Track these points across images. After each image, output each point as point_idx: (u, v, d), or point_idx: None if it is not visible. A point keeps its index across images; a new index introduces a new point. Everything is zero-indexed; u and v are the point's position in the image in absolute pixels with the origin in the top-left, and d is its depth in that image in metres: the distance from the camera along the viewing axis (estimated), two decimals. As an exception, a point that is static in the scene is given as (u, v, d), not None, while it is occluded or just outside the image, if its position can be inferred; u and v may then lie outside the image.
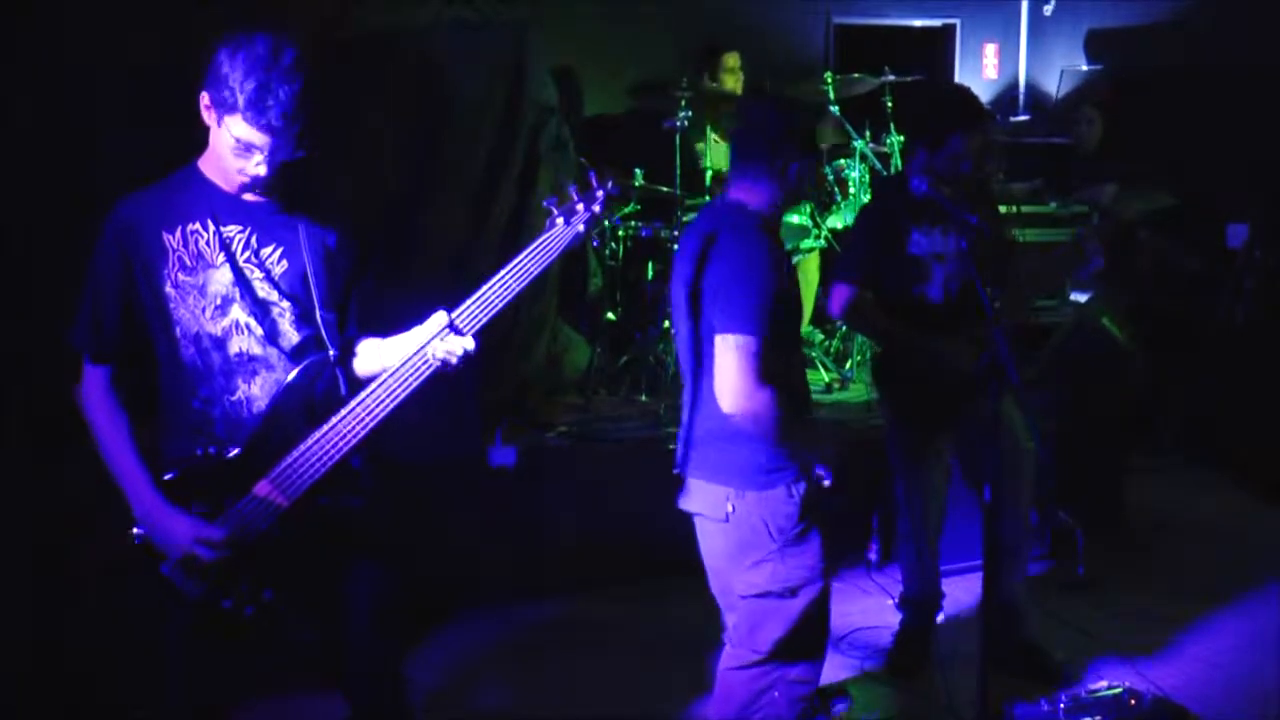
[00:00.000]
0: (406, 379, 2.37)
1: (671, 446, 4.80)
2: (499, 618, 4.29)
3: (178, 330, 2.38)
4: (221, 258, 2.38)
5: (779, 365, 2.70)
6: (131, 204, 2.39)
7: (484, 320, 2.38)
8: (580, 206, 2.51)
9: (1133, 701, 3.16)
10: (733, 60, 6.24)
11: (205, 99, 2.30)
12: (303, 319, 2.45)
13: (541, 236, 2.46)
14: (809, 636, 2.83)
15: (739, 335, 2.60)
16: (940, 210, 3.49)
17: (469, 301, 2.39)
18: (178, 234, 2.37)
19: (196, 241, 2.38)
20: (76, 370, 2.43)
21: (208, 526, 2.31)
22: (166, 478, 2.35)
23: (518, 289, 2.40)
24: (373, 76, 4.84)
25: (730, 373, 2.60)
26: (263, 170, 2.32)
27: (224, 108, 2.26)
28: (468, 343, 2.36)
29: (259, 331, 2.41)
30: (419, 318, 2.43)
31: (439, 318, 2.39)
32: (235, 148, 2.29)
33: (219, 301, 2.39)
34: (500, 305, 2.39)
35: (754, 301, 2.62)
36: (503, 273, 2.40)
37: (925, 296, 3.61)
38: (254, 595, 2.35)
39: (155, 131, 2.96)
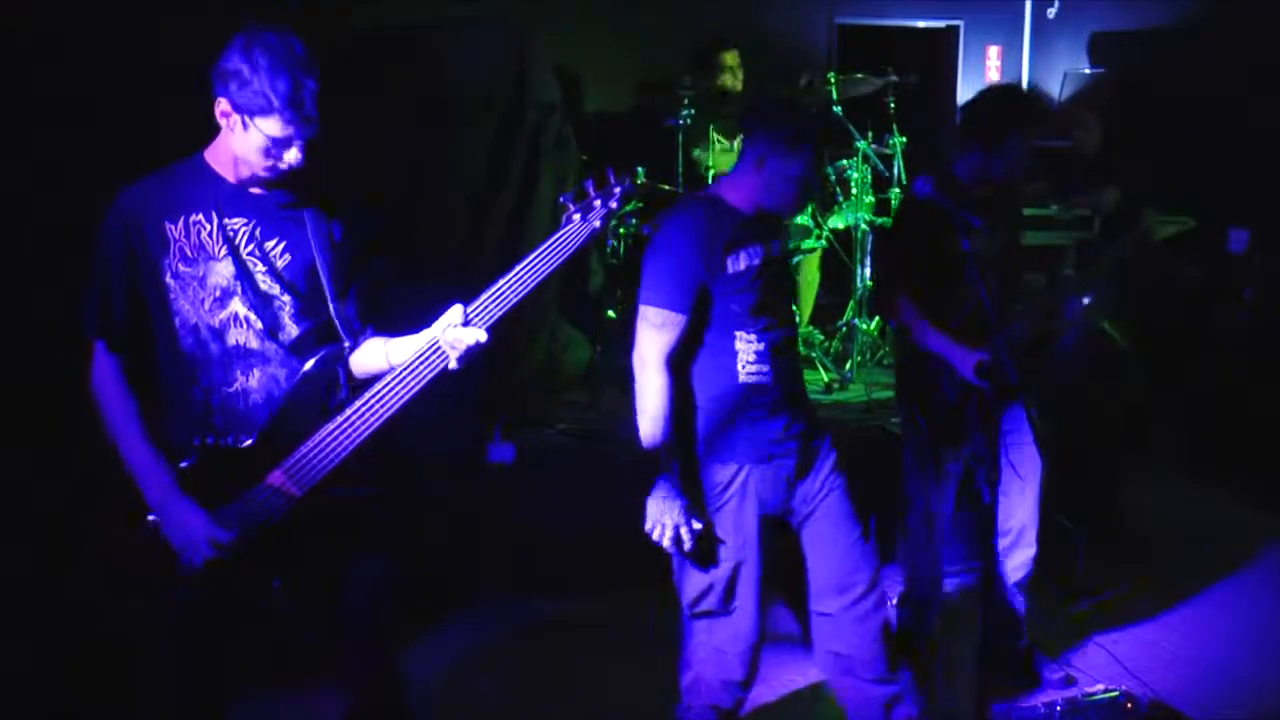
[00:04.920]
0: (421, 371, 2.36)
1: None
2: (497, 614, 4.29)
3: (177, 320, 2.38)
4: (224, 250, 2.38)
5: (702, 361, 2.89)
6: (135, 192, 2.39)
7: (498, 315, 2.37)
8: (597, 202, 2.51)
9: (1129, 705, 3.16)
10: (731, 58, 6.21)
11: (224, 104, 2.29)
12: (303, 313, 2.45)
13: (558, 233, 2.45)
14: (721, 620, 2.95)
15: (643, 305, 2.85)
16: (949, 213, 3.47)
17: (484, 295, 2.38)
18: (180, 224, 2.37)
19: (199, 233, 2.37)
20: (79, 364, 2.42)
21: (218, 528, 2.30)
22: (183, 466, 2.35)
23: (533, 284, 2.38)
24: (374, 75, 4.84)
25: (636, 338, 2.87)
26: (299, 157, 2.33)
27: (255, 111, 2.26)
28: (480, 335, 2.35)
29: (258, 325, 2.41)
30: (420, 315, 2.43)
31: (455, 311, 2.37)
32: (268, 146, 2.30)
33: (218, 294, 2.39)
34: (515, 300, 2.38)
35: (656, 273, 2.86)
36: (518, 268, 2.39)
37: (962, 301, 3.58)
38: (264, 584, 2.35)
39: (154, 130, 2.97)
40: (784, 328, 3.00)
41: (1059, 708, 3.16)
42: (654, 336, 2.83)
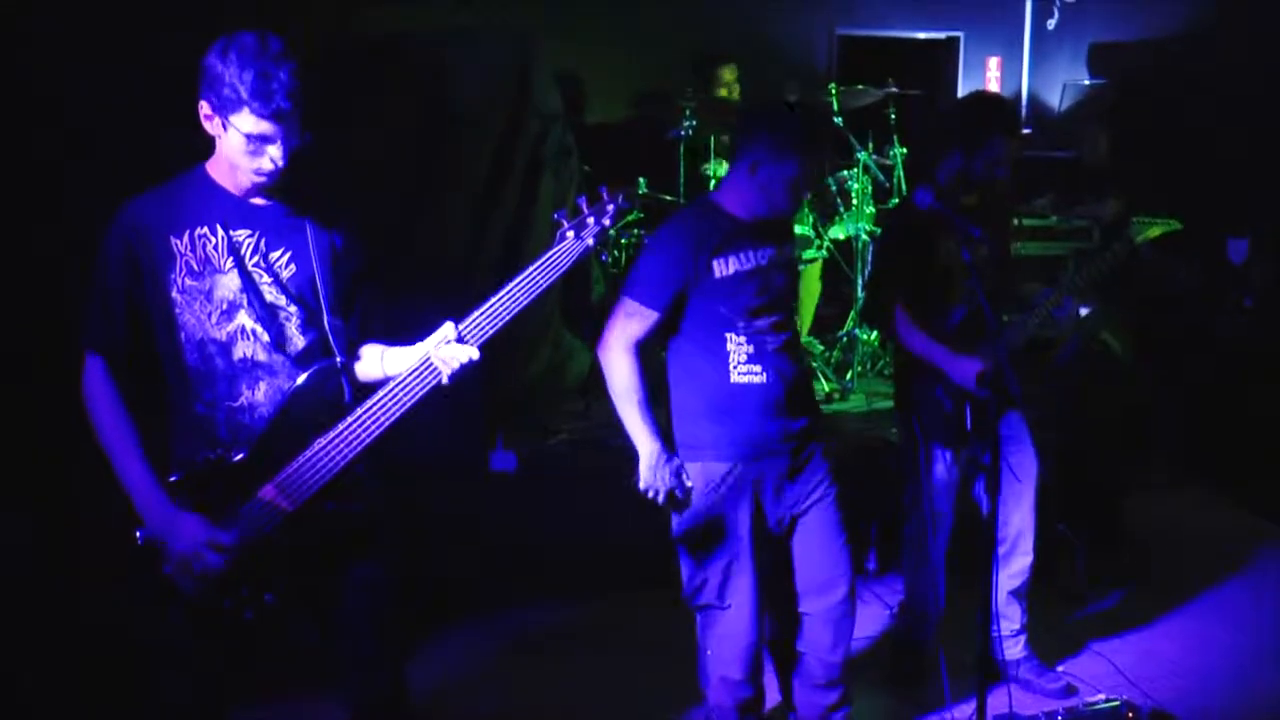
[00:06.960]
0: (413, 387, 2.37)
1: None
2: (499, 622, 4.29)
3: (182, 334, 2.38)
4: (230, 263, 2.38)
5: (691, 355, 3.02)
6: (139, 206, 2.38)
7: (491, 332, 2.39)
8: (590, 220, 2.52)
9: (1130, 714, 3.16)
10: (729, 74, 6.26)
11: (205, 107, 2.30)
12: (309, 323, 2.45)
13: (551, 250, 2.46)
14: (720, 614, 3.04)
15: (622, 294, 3.01)
16: (950, 223, 3.49)
17: (477, 313, 2.39)
18: (185, 239, 2.37)
19: (204, 246, 2.38)
20: (79, 369, 2.42)
21: (217, 530, 2.30)
22: (171, 479, 2.35)
23: (525, 301, 2.40)
24: (376, 82, 4.86)
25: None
26: (280, 160, 2.31)
27: (228, 107, 2.26)
28: (473, 352, 2.36)
29: (265, 338, 2.41)
30: (421, 324, 2.44)
31: (447, 328, 2.39)
32: (248, 146, 2.29)
33: (224, 307, 2.39)
34: (507, 317, 2.40)
35: (639, 269, 3.01)
36: (511, 285, 2.40)
37: (950, 308, 3.59)
38: (255, 598, 2.35)
39: (157, 131, 2.98)
40: (782, 331, 3.06)
41: (1059, 717, 3.15)
42: (624, 325, 2.99)
